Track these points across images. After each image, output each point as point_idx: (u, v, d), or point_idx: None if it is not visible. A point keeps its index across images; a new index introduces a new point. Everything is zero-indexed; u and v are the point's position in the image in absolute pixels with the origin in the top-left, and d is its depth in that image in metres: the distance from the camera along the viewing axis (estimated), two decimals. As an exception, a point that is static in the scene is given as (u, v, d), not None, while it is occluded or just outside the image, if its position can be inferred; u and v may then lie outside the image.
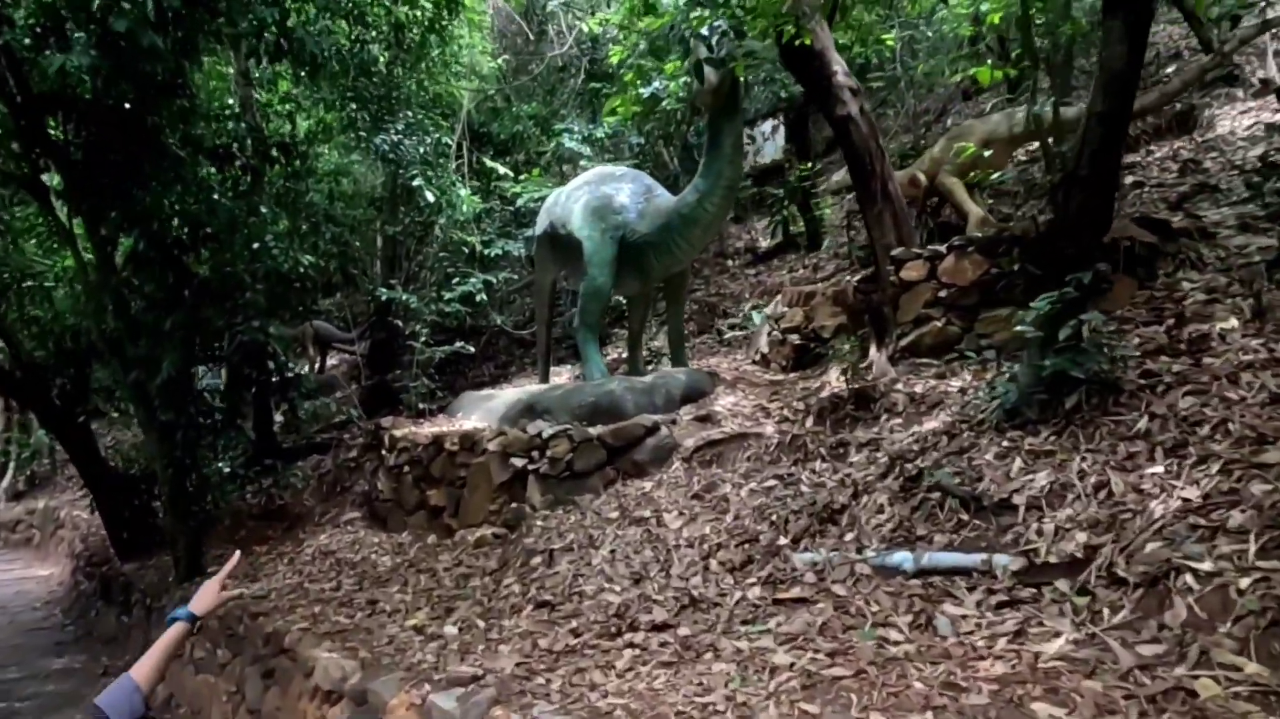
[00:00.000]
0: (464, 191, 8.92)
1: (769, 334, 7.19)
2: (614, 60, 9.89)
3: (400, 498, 6.83)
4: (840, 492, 4.34)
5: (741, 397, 6.34)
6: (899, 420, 4.94)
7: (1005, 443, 3.88)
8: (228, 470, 7.45)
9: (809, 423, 5.35)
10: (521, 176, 10.30)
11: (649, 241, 6.77)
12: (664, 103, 9.10)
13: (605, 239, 6.93)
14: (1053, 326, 3.82)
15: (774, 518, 4.40)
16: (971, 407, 4.53)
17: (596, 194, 7.18)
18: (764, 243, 12.44)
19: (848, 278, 6.60)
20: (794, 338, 6.81)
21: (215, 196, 5.64)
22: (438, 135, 8.62)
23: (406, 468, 6.85)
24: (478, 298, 10.50)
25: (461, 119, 11.20)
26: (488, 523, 5.78)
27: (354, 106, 7.06)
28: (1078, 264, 3.92)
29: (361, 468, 9.39)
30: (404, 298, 10.18)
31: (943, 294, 5.52)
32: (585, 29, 10.95)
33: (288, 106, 7.46)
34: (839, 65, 6.03)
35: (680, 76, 8.41)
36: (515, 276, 11.53)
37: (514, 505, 5.68)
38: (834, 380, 5.87)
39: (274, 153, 7.36)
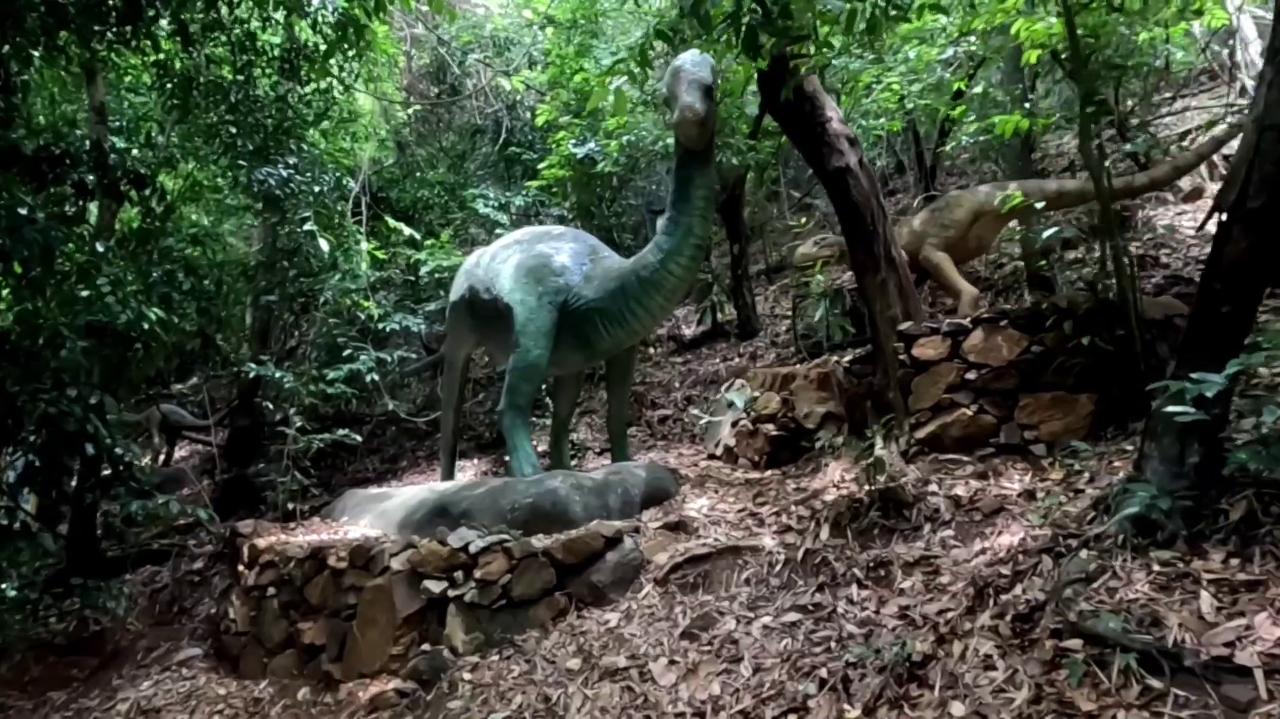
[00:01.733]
0: (364, 245, 7.51)
1: (735, 424, 6.05)
2: (539, 121, 8.92)
3: (260, 631, 5.10)
4: (912, 634, 3.13)
5: (716, 499, 5.10)
6: (950, 533, 3.83)
7: (1158, 567, 2.80)
8: (13, 593, 5.49)
9: (824, 534, 4.16)
10: (427, 242, 8.99)
11: (597, 309, 5.58)
12: (600, 165, 8.12)
13: (542, 305, 5.70)
14: (1221, 409, 2.84)
15: (820, 672, 3.13)
16: (1060, 515, 3.48)
17: (531, 253, 5.99)
18: (689, 330, 11.51)
19: (833, 359, 5.60)
20: (768, 428, 5.69)
21: (22, 213, 4.06)
22: (338, 174, 7.23)
23: (271, 590, 5.15)
24: (368, 378, 8.92)
25: (360, 179, 9.85)
26: (388, 673, 4.19)
27: (233, 130, 5.67)
28: (1216, 330, 2.99)
29: (209, 584, 7.43)
30: (277, 376, 8.47)
31: (970, 376, 4.56)
32: (507, 87, 9.97)
33: (147, 127, 5.96)
34: (833, 111, 5.20)
35: (621, 135, 7.48)
36: (413, 355, 10.02)
37: (427, 648, 4.13)
38: (837, 480, 4.75)
39: (123, 185, 5.79)
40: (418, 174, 11.02)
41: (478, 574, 4.20)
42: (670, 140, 7.72)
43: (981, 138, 11.44)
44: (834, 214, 6.80)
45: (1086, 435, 4.21)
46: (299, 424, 8.17)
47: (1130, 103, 9.51)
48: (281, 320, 10.17)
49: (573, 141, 8.04)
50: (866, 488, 4.29)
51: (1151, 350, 4.16)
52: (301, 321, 10.12)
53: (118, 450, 5.17)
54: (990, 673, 2.76)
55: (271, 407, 8.60)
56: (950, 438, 4.58)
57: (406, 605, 4.30)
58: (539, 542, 4.34)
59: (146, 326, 5.09)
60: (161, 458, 12.63)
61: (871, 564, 3.74)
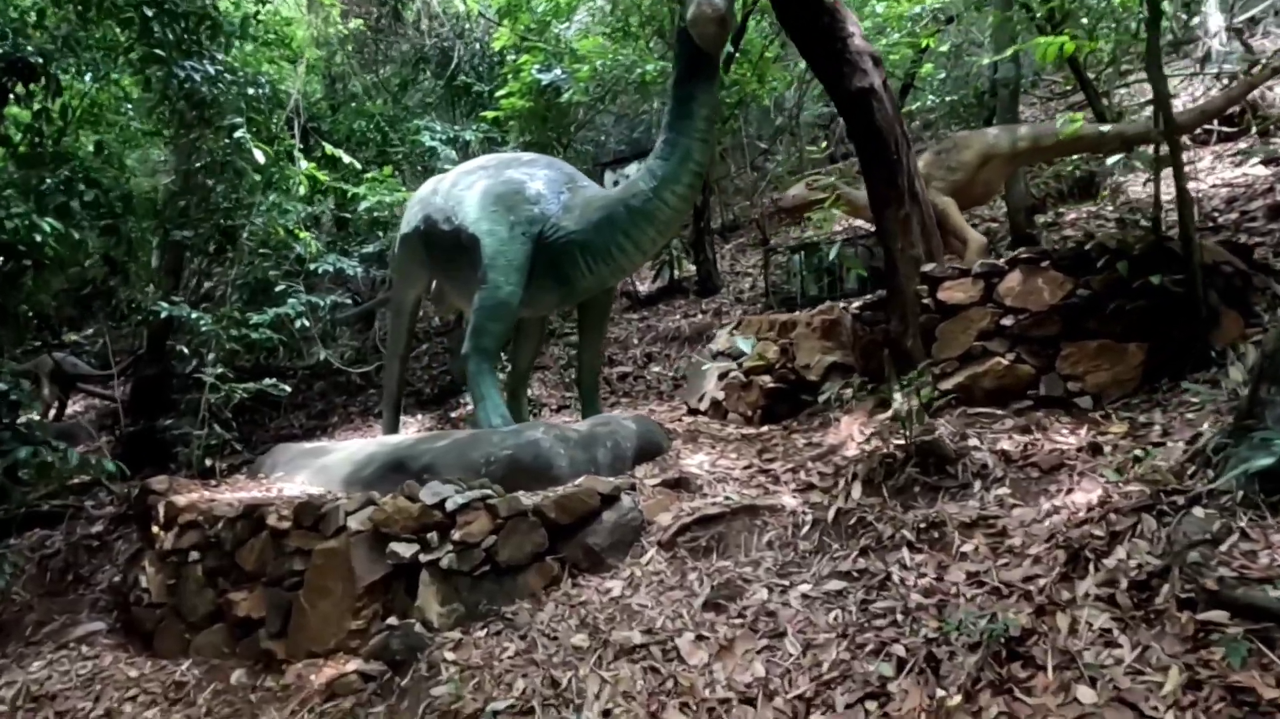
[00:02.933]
0: (303, 164, 6.58)
1: (724, 376, 5.51)
2: (497, 45, 8.10)
3: (181, 602, 4.32)
4: (1000, 605, 2.66)
5: (715, 455, 4.57)
6: (1005, 490, 3.39)
7: (1303, 527, 2.40)
8: None
9: (855, 492, 3.67)
10: (366, 176, 8.09)
11: (579, 242, 4.92)
12: (565, 95, 7.39)
13: (514, 236, 5.02)
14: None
15: (894, 650, 2.63)
16: (1147, 470, 3.07)
17: (500, 179, 5.27)
18: (644, 286, 10.92)
19: (839, 305, 5.12)
20: (764, 380, 5.18)
21: None
22: (271, 80, 6.26)
23: (194, 555, 4.37)
24: (298, 324, 8.02)
25: (291, 104, 8.81)
26: (346, 652, 3.52)
27: (148, 12, 4.70)
28: None
29: (110, 550, 6.52)
30: (193, 318, 7.49)
31: (1007, 322, 4.13)
32: (462, 8, 9.07)
33: (39, 3, 4.89)
34: (855, 26, 4.65)
35: (595, 59, 6.78)
36: (347, 301, 9.12)
37: (394, 623, 3.47)
38: (855, 435, 4.27)
39: (5, 79, 4.80)
40: (353, 104, 10.01)
41: (456, 536, 3.56)
42: (649, 67, 7.10)
43: (949, 97, 11.14)
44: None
45: (1138, 388, 3.84)
46: (220, 371, 7.27)
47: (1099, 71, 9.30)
48: (197, 258, 9.09)
49: (537, 67, 7.28)
50: (898, 442, 3.82)
51: (1204, 297, 3.82)
52: (221, 259, 9.05)
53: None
54: (1113, 650, 2.32)
55: (187, 351, 7.60)
56: (982, 389, 4.15)
57: (368, 572, 3.62)
58: (528, 498, 3.72)
59: (39, 239, 4.18)
60: (53, 412, 11.35)
61: (922, 525, 3.27)
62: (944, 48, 11.81)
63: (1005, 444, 3.70)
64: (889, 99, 4.60)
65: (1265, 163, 7.90)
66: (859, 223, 8.08)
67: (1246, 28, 10.69)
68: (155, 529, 4.73)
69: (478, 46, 9.68)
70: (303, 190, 6.65)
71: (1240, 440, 2.75)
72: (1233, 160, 8.64)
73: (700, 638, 3.02)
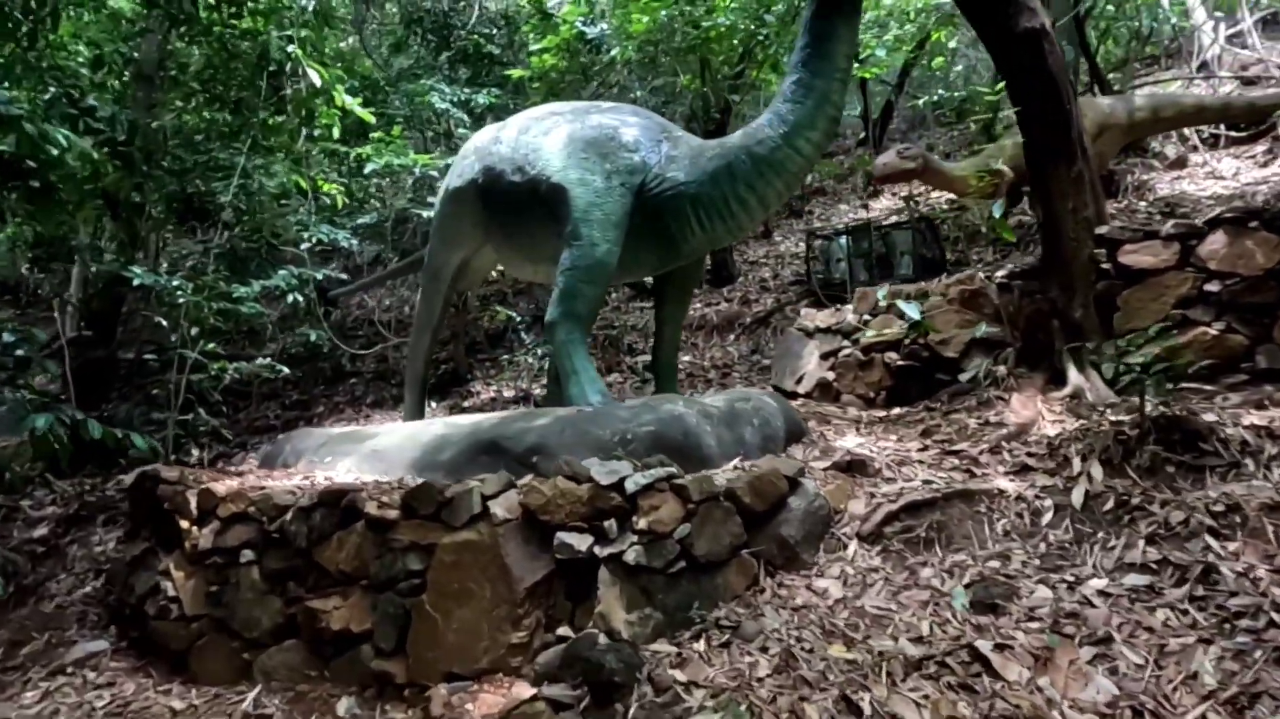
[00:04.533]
0: (347, 99, 5.63)
1: (833, 355, 4.94)
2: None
3: (232, 614, 3.43)
4: None
5: (868, 438, 3.98)
6: (1291, 468, 2.92)
7: None
8: None
9: (1096, 473, 3.14)
10: (374, 135, 7.20)
11: (691, 195, 4.25)
12: (612, 53, 6.72)
13: (611, 187, 4.32)
14: None
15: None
16: None
17: (588, 124, 4.57)
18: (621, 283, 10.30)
19: (979, 273, 4.63)
20: (890, 358, 4.63)
21: None
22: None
23: (248, 554, 3.49)
24: (290, 298, 7.05)
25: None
26: (506, 672, 2.75)
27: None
28: None
29: (63, 556, 5.45)
30: (172, 286, 6.44)
31: (1212, 288, 3.71)
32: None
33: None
34: (1020, -38, 4.17)
35: (656, 8, 6.13)
36: (343, 276, 8.14)
37: (566, 633, 2.73)
38: (1045, 412, 3.76)
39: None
40: (338, 65, 9.04)
41: (640, 524, 2.84)
42: (719, 20, 6.46)
43: (957, 93, 10.92)
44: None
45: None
46: (210, 347, 6.27)
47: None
48: (157, 221, 7.94)
49: (581, 19, 6.57)
50: (1117, 418, 3.32)
51: None
52: (190, 224, 7.95)
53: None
54: None
55: (166, 323, 6.52)
56: (1184, 362, 3.70)
57: (527, 570, 2.86)
58: (720, 478, 3.04)
59: (56, 153, 3.26)
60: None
61: (1218, 509, 2.76)
62: (953, 43, 11.71)
63: (1253, 419, 3.24)
64: (1056, 46, 4.14)
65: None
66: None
67: (1238, 38, 10.90)
68: (186, 525, 3.81)
69: (483, 5, 8.87)
70: (335, 132, 5.72)
71: None
72: (1257, 161, 8.64)
73: (1000, 646, 2.41)
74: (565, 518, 2.89)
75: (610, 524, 2.85)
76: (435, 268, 5.54)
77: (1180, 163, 8.80)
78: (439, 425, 4.35)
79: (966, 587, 2.76)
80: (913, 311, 3.80)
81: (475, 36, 8.32)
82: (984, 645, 2.42)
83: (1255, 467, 2.97)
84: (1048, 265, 4.19)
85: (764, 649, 2.52)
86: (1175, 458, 3.10)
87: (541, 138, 4.65)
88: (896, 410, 4.47)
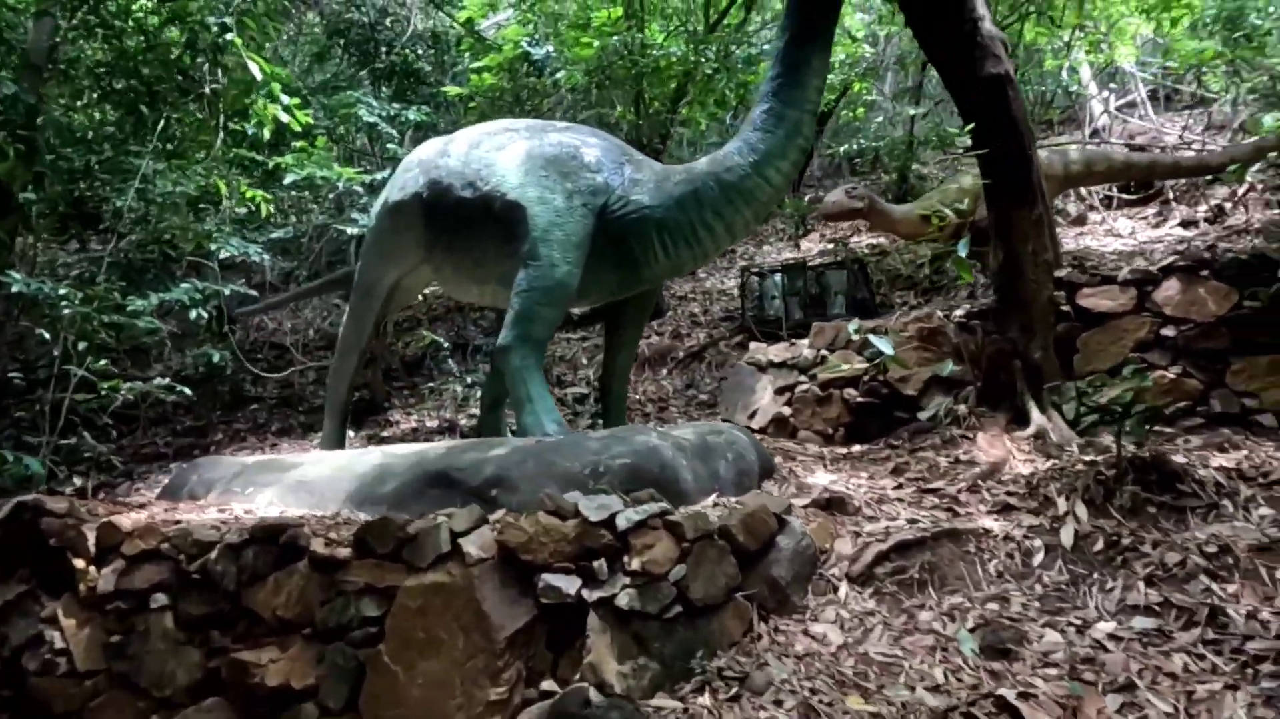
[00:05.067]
0: (285, 100, 5.15)
1: (788, 390, 4.84)
2: (462, 17, 7.14)
3: (138, 668, 2.95)
4: None
5: (837, 474, 3.88)
6: (1269, 510, 2.97)
7: None
8: None
9: (1081, 513, 3.12)
10: (296, 144, 6.75)
11: (656, 220, 4.11)
12: (556, 77, 6.56)
13: (573, 207, 4.14)
14: None
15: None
16: None
17: (546, 141, 4.39)
18: (576, 309, 10.07)
19: (938, 312, 4.64)
20: (849, 394, 4.57)
21: None
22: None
23: (160, 599, 3.02)
24: (194, 314, 6.47)
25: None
26: (486, 735, 2.43)
27: None
28: None
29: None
30: (58, 295, 5.78)
31: (1168, 333, 3.81)
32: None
33: None
34: (984, 9, 4.28)
35: (608, 36, 6.03)
36: (253, 293, 7.54)
37: (550, 688, 2.44)
38: (1015, 451, 3.76)
39: None
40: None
41: (634, 564, 2.60)
42: (672, 50, 6.38)
43: (876, 143, 11.29)
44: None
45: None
46: (100, 364, 5.64)
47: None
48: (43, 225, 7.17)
49: (526, 40, 6.39)
50: (1088, 458, 3.34)
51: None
52: (75, 231, 7.21)
53: None
54: None
55: (49, 336, 5.81)
56: (1159, 404, 3.78)
57: (506, 617, 2.55)
58: (713, 515, 2.83)
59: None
60: None
61: (1211, 550, 2.76)
62: (872, 94, 12.15)
63: (1220, 461, 3.31)
64: (1018, 92, 4.25)
65: (1184, 224, 8.50)
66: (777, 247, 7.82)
67: (1130, 108, 11.76)
68: (81, 564, 3.29)
69: (413, 22, 8.58)
70: (267, 133, 5.27)
71: None
72: (1149, 222, 9.24)
73: (1025, 695, 2.29)
74: (549, 557, 2.61)
75: (600, 564, 2.59)
76: (368, 285, 5.16)
77: (1081, 220, 9.33)
78: (376, 454, 3.99)
79: (971, 630, 2.64)
80: (886, 347, 3.74)
81: (405, 53, 8.00)
82: (1009, 694, 2.29)
83: (1234, 508, 3.00)
84: (1007, 306, 4.24)
85: (778, 702, 2.31)
86: (1155, 498, 3.11)
87: (496, 153, 4.42)
88: (858, 447, 4.39)
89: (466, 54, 7.37)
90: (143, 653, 2.99)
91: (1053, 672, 2.40)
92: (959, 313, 4.57)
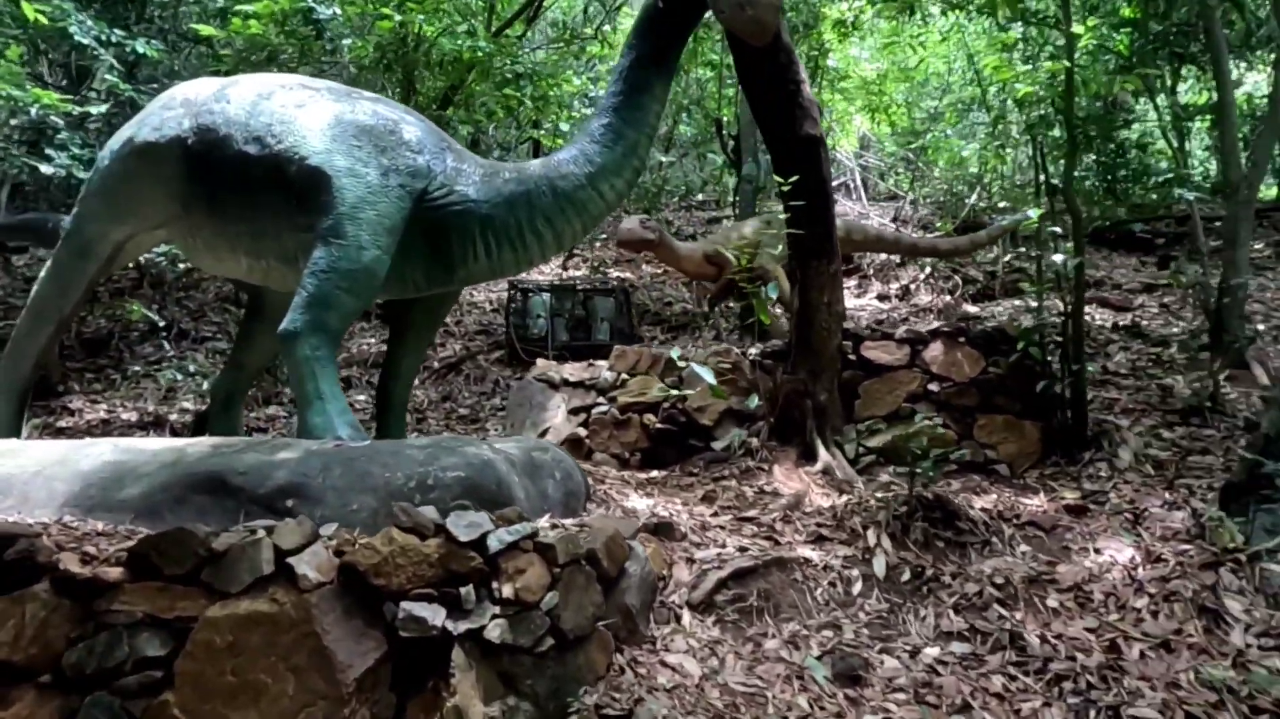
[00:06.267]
0: None
1: (585, 411, 4.74)
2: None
3: None
4: (1168, 658, 2.64)
5: (651, 499, 3.84)
6: (1027, 548, 3.45)
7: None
8: None
9: (886, 545, 3.38)
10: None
11: (481, 217, 3.83)
12: (344, 43, 5.95)
13: (389, 185, 3.73)
14: None
15: (1145, 712, 2.41)
16: (1162, 532, 3.40)
17: (358, 109, 3.93)
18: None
19: (735, 349, 4.82)
20: (649, 419, 4.59)
21: None
22: None
23: None
24: None
25: None
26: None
27: None
28: None
29: None
30: None
31: (934, 388, 4.35)
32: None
33: None
34: (804, 74, 4.62)
35: (412, 11, 5.61)
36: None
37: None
38: (812, 485, 4.01)
39: None
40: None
41: (504, 591, 2.29)
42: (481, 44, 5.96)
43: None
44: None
45: (1039, 461, 4.32)
46: None
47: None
48: None
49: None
50: (889, 494, 3.67)
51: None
52: None
53: None
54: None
55: None
56: (909, 449, 4.24)
57: (355, 655, 2.10)
58: (583, 538, 2.61)
59: None
60: None
61: (998, 581, 3.13)
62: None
63: (981, 503, 3.80)
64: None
65: (880, 298, 9.90)
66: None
67: (840, 190, 13.48)
68: None
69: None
70: None
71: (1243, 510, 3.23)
72: (851, 292, 10.59)
73: (887, 720, 2.39)
74: (406, 583, 2.22)
75: (468, 591, 2.26)
76: (86, 240, 4.17)
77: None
78: (105, 448, 3.20)
79: (818, 658, 2.71)
80: (709, 376, 3.80)
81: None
82: (871, 720, 2.37)
83: (1001, 544, 3.45)
84: (799, 350, 4.54)
85: (664, 743, 2.16)
86: (941, 534, 3.47)
87: (296, 110, 3.83)
88: (655, 473, 4.40)
89: (222, -7, 6.35)
90: None
91: (901, 696, 2.53)
92: (754, 351, 4.81)
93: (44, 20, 6.01)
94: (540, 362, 5.39)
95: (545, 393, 4.95)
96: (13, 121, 5.98)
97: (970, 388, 4.37)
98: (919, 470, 3.58)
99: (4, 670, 2.07)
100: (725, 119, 10.65)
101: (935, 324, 4.62)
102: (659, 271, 10.94)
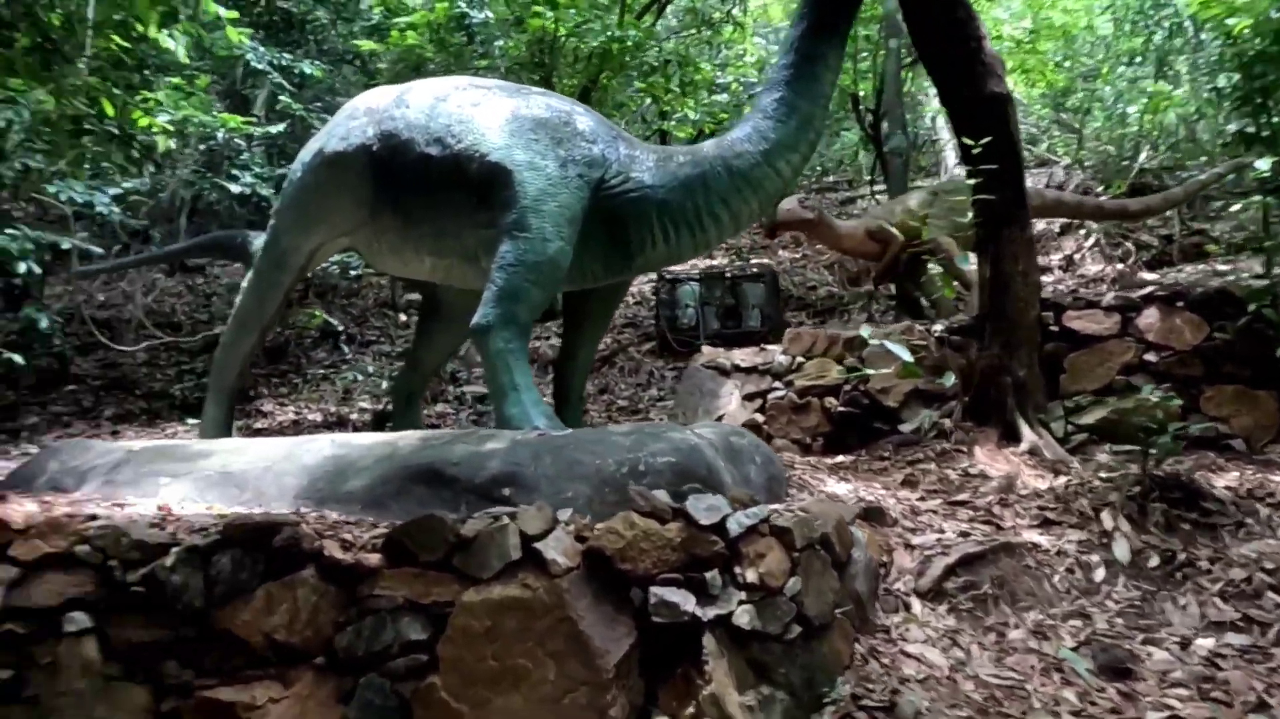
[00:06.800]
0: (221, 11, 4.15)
1: (761, 396, 4.63)
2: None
3: (45, 713, 2.16)
4: None
5: (850, 485, 3.68)
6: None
7: None
8: None
9: (1124, 528, 3.10)
10: (171, 80, 5.71)
11: (657, 202, 3.76)
12: (498, 43, 6.04)
13: (568, 176, 3.70)
14: None
15: None
16: None
17: (532, 103, 3.93)
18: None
19: (917, 324, 4.60)
20: (829, 402, 4.42)
21: None
22: None
23: (77, 618, 2.24)
24: (21, 267, 5.27)
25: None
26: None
27: None
28: None
29: None
30: None
31: (1151, 358, 3.98)
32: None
33: None
34: (985, 30, 4.33)
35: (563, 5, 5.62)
36: (97, 250, 6.25)
37: (669, 724, 2.01)
38: (1022, 464, 3.74)
39: None
40: None
41: (748, 575, 2.22)
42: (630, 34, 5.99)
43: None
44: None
45: (1278, 434, 3.89)
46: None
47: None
48: None
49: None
50: (1106, 476, 3.37)
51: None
52: None
53: None
54: None
55: None
56: (1129, 425, 3.89)
57: (610, 640, 2.08)
58: (819, 522, 2.51)
59: None
60: None
61: (1269, 566, 2.81)
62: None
63: (1224, 481, 3.44)
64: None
65: (1041, 270, 9.26)
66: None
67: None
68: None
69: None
70: (182, 53, 4.29)
71: None
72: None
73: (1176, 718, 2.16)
74: (652, 567, 2.17)
75: (713, 576, 2.19)
76: (282, 251, 4.37)
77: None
78: (323, 443, 3.31)
79: (1074, 649, 2.50)
80: (905, 354, 3.60)
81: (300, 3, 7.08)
82: (1152, 717, 2.14)
83: (1259, 525, 3.10)
84: (994, 324, 4.26)
85: (947, 738, 2.02)
86: (1185, 516, 3.15)
87: (472, 109, 3.87)
88: (842, 457, 4.23)
89: (376, 9, 6.60)
90: (53, 693, 2.20)
91: (1183, 692, 2.29)
92: (937, 328, 4.56)
93: (221, 50, 6.43)
94: (706, 349, 5.31)
95: (716, 379, 4.87)
96: (201, 147, 6.39)
97: (1193, 356, 3.97)
98: (1154, 448, 3.27)
99: (283, 651, 2.17)
100: (861, 93, 10.26)
101: (1148, 289, 4.22)
102: (798, 256, 10.69)
